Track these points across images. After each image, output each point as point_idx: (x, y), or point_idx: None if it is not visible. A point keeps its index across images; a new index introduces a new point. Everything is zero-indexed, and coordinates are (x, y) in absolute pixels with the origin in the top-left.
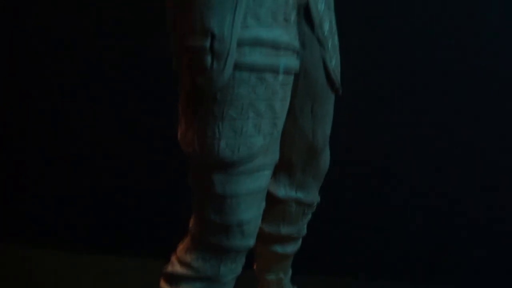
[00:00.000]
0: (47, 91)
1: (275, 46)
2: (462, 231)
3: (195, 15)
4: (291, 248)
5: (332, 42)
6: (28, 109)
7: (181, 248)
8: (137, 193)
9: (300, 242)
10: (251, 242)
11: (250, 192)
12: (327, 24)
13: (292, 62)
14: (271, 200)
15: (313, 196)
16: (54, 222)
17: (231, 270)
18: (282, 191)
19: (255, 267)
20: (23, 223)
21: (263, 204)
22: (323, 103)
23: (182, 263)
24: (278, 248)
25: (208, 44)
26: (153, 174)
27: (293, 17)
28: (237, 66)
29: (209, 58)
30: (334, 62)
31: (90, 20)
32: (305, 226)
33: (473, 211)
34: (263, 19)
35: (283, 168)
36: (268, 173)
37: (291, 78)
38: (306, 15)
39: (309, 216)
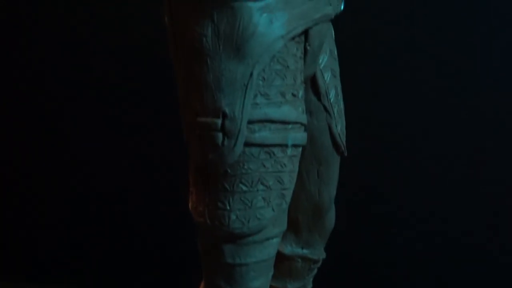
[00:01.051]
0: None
1: (283, 122)
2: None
3: (207, 95)
4: None
5: (338, 108)
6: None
7: None
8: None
9: None
10: None
11: (260, 260)
12: (333, 91)
13: (300, 135)
14: (278, 257)
15: (319, 253)
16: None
17: None
18: (289, 248)
19: None
20: None
21: (272, 270)
22: (329, 166)
23: None
24: None
25: (219, 123)
26: None
27: (301, 92)
28: (247, 143)
29: (220, 136)
30: (340, 127)
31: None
32: (311, 279)
33: None
34: (272, 98)
35: (290, 227)
36: (276, 240)
37: (299, 150)
38: (313, 85)
39: (315, 271)
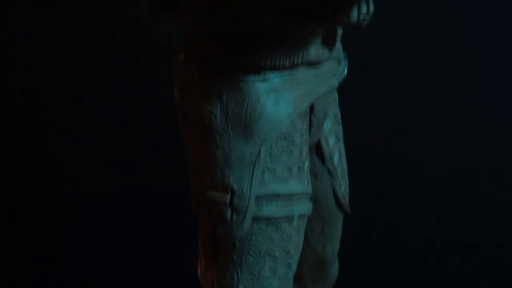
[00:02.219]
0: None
1: (290, 195)
2: None
3: (216, 171)
4: None
5: (342, 169)
6: None
7: None
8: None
9: None
10: None
11: None
12: (337, 154)
13: (305, 206)
14: None
15: None
16: None
17: None
18: None
19: None
20: None
21: None
22: (332, 223)
23: None
24: None
25: (228, 199)
26: None
27: (306, 163)
28: (255, 218)
29: (229, 212)
30: (343, 187)
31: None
32: None
33: None
34: (279, 173)
35: (295, 280)
36: None
37: (305, 219)
38: (317, 149)
39: None
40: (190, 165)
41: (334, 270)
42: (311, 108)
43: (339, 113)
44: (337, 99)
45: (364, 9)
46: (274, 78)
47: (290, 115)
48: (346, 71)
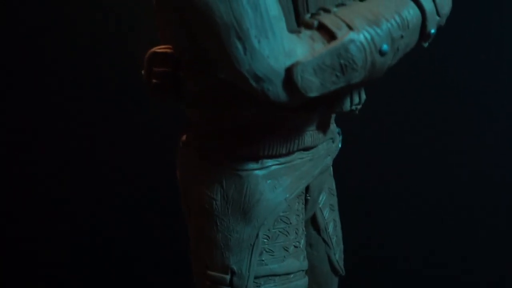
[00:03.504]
0: None
1: (287, 275)
2: None
3: (216, 252)
4: None
5: (336, 237)
6: None
7: None
8: None
9: None
10: None
11: None
12: (332, 224)
13: (301, 282)
14: None
15: None
16: None
17: None
18: None
19: None
20: None
21: None
22: (328, 287)
23: None
24: None
25: (228, 279)
26: None
27: (302, 241)
28: None
29: None
30: (338, 254)
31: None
32: None
33: None
34: (276, 254)
35: None
36: None
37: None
38: (313, 221)
39: None
40: (192, 243)
41: None
42: (307, 188)
43: (334, 185)
44: (331, 172)
45: (356, 100)
46: (272, 166)
47: (287, 200)
48: (340, 145)
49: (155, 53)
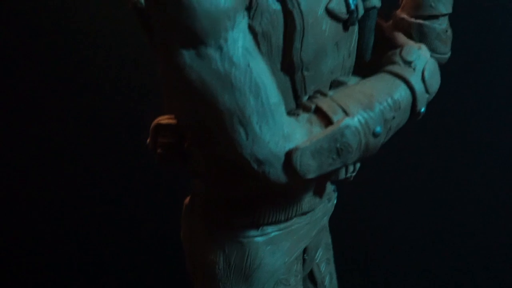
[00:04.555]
0: None
1: None
2: None
3: None
4: None
5: (331, 283)
6: None
7: None
8: None
9: None
10: None
11: None
12: (328, 276)
13: None
14: None
15: None
16: None
17: None
18: None
19: None
20: None
21: None
22: None
23: None
24: None
25: None
26: None
27: None
28: None
29: None
30: None
31: None
32: None
33: None
34: None
35: None
36: None
37: None
38: (310, 276)
39: None
40: None
41: None
42: (304, 249)
43: (330, 239)
44: (327, 228)
45: (351, 169)
46: (272, 233)
47: (286, 263)
48: (335, 200)
49: (160, 124)
